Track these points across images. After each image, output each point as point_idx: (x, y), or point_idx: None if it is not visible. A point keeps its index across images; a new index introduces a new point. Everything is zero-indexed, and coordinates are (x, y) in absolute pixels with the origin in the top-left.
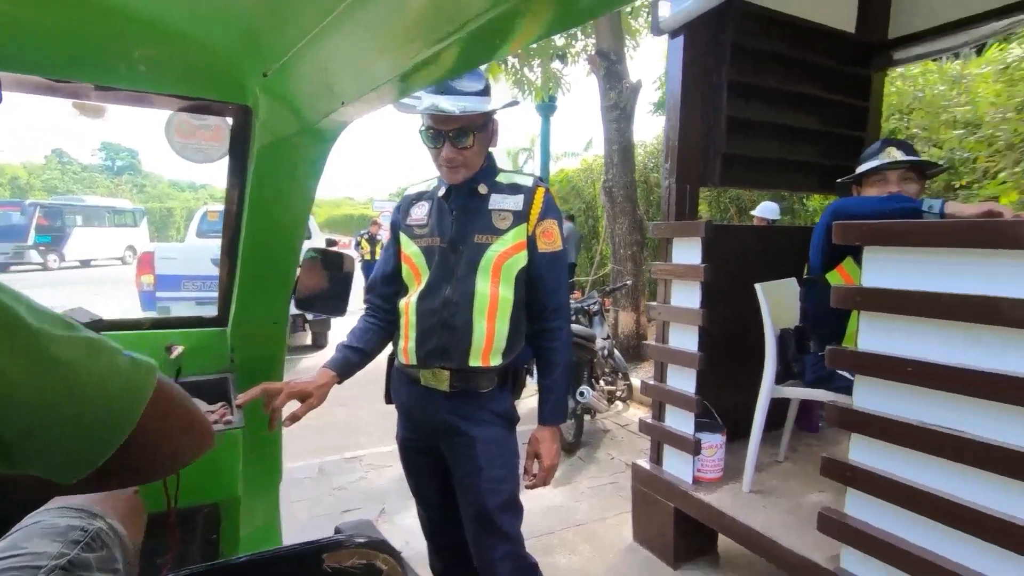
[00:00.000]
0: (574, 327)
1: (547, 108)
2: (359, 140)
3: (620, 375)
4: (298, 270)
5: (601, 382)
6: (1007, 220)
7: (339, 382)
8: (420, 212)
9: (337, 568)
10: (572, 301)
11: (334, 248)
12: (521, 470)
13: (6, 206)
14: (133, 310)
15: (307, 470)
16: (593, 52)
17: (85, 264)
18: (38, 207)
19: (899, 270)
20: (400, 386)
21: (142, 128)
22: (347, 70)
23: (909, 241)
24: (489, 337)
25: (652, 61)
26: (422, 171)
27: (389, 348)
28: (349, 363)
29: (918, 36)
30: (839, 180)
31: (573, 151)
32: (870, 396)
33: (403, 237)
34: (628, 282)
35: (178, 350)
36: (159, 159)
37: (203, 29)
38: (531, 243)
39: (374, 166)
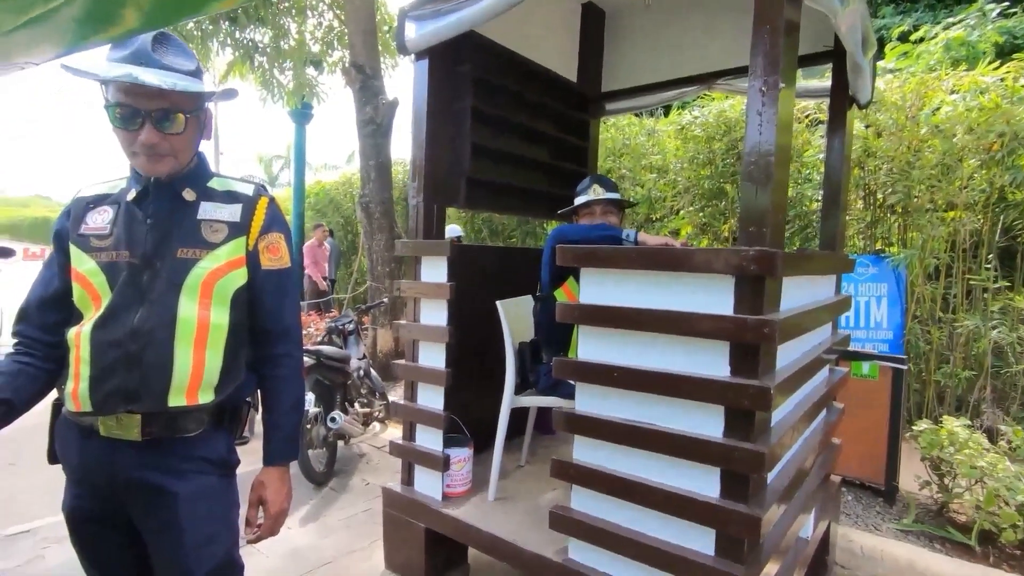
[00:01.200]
0: (326, 348)
1: (302, 115)
2: (60, 131)
3: (377, 395)
4: None
5: (356, 404)
6: (679, 248)
7: None
8: (100, 219)
9: None
10: (328, 320)
11: None
12: (242, 522)
13: None
14: None
15: None
16: (348, 64)
17: None
18: None
19: (607, 288)
20: (69, 440)
21: None
22: None
23: (612, 263)
24: (197, 369)
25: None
26: None
27: (53, 393)
28: None
29: (622, 93)
30: (559, 211)
31: (334, 164)
32: (589, 400)
33: (74, 250)
34: (385, 300)
35: None
36: None
37: None
38: (252, 259)
39: (81, 163)
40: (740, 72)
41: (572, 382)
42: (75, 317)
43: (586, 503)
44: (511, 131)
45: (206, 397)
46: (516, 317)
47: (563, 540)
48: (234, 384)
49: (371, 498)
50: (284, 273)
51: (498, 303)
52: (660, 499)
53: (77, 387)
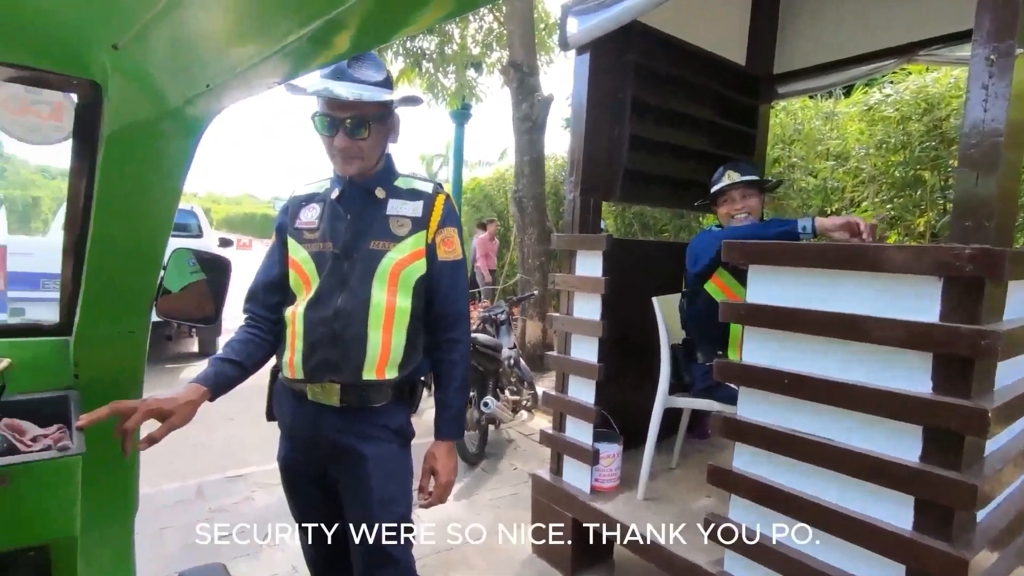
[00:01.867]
0: (481, 336)
1: (461, 115)
2: (263, 134)
3: (526, 385)
4: (162, 273)
5: (506, 392)
6: (872, 246)
7: (211, 399)
8: (310, 215)
9: None
10: (481, 310)
11: (200, 239)
12: (416, 487)
13: None
14: None
15: (181, 492)
16: (506, 64)
17: None
18: None
19: (781, 287)
20: (284, 402)
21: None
22: (210, 47)
23: (786, 261)
24: (385, 349)
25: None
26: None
27: (272, 361)
28: (224, 378)
29: (798, 74)
30: (696, 204)
31: (488, 160)
32: (753, 406)
33: (291, 241)
34: (535, 292)
35: (3, 363)
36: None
37: None
38: (430, 251)
39: (279, 163)
40: (952, 40)
41: (733, 386)
42: (291, 298)
43: (745, 515)
44: (671, 120)
45: (391, 374)
46: (672, 314)
47: (718, 550)
48: (414, 364)
49: (518, 483)
50: (457, 264)
51: (654, 299)
52: (835, 522)
53: (292, 357)
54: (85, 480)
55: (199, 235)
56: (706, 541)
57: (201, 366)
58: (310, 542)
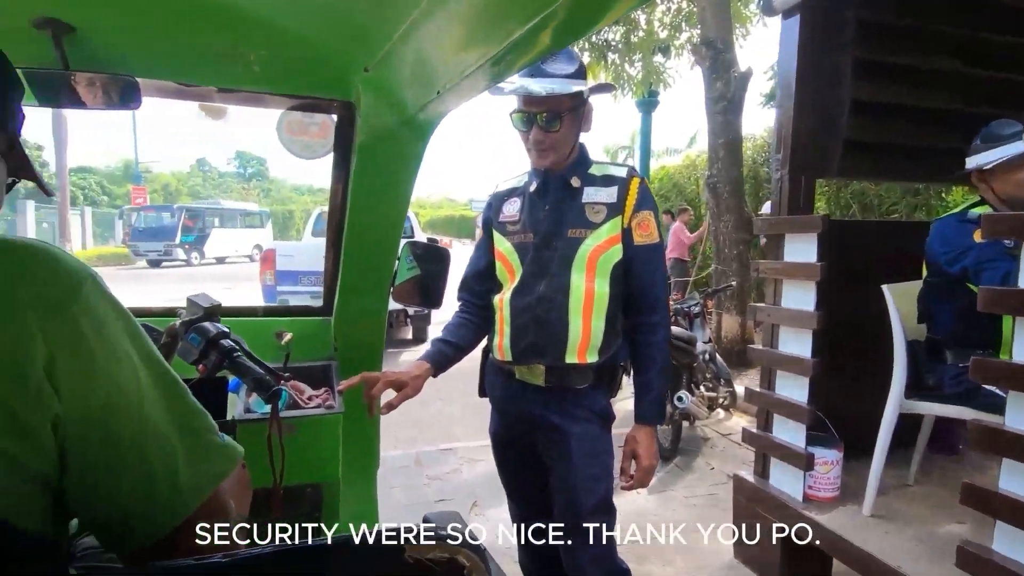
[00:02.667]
0: (673, 329)
1: (648, 104)
2: (458, 142)
3: (722, 381)
4: (396, 263)
5: (701, 388)
6: None
7: (434, 375)
8: (512, 208)
9: (418, 559)
10: (672, 302)
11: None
12: (617, 471)
13: (160, 210)
14: (257, 302)
15: (404, 459)
16: (698, 42)
17: (220, 261)
18: (184, 210)
19: None
20: (495, 380)
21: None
22: (442, 57)
23: None
24: (585, 333)
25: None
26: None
27: (484, 342)
28: (444, 356)
29: None
30: (957, 173)
31: (675, 147)
32: None
33: (496, 234)
34: (733, 283)
35: (287, 336)
36: (283, 166)
37: (310, 29)
38: (626, 236)
39: (473, 168)
40: None
41: (999, 392)
42: (497, 286)
43: (1014, 546)
44: (906, 78)
45: (592, 357)
46: (908, 306)
47: None
48: (613, 348)
49: (715, 483)
50: (654, 248)
51: (885, 288)
52: None
53: (502, 341)
54: (344, 435)
55: (412, 236)
56: (955, 571)
57: (416, 351)
58: (518, 512)
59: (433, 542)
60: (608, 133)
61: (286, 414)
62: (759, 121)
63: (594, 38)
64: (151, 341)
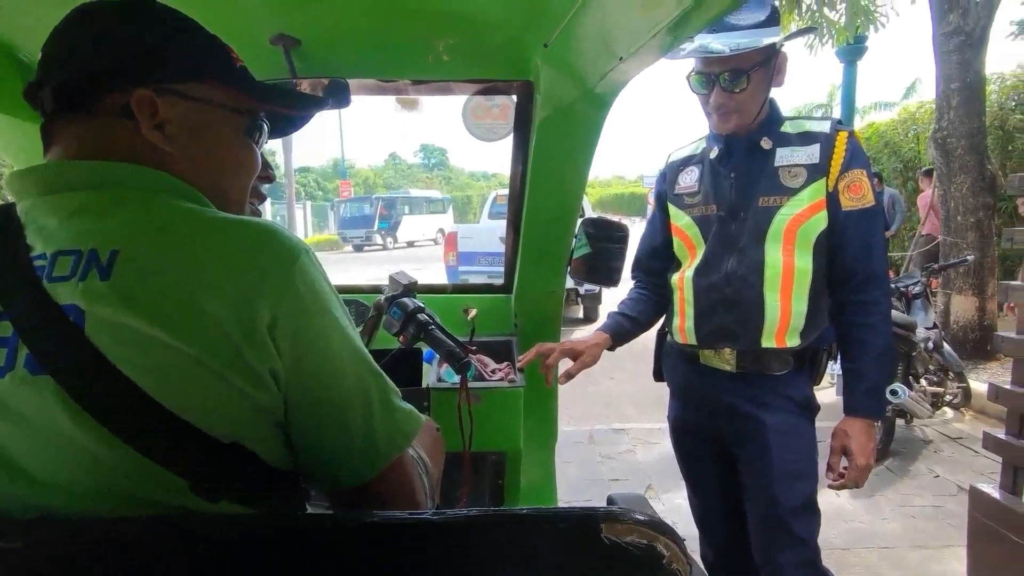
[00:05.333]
0: None
1: (853, 51)
2: (628, 117)
3: (951, 375)
4: (573, 240)
5: (922, 381)
6: None
7: (611, 347)
8: (689, 178)
9: (615, 541)
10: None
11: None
12: (822, 467)
13: (361, 201)
14: (442, 281)
15: (578, 436)
16: None
17: (410, 244)
18: (380, 200)
19: None
20: (676, 364)
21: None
22: (622, 24)
23: None
24: (784, 315)
25: None
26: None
27: (658, 324)
28: (623, 328)
29: None
30: None
31: (887, 101)
32: None
33: (672, 208)
34: (969, 258)
35: (472, 312)
36: (461, 155)
37: (491, 12)
38: (832, 200)
39: (643, 143)
40: None
41: None
42: (675, 264)
43: None
44: None
45: (792, 341)
46: None
47: None
48: (818, 331)
49: (939, 494)
50: (869, 213)
51: None
52: None
53: (683, 323)
54: (525, 408)
55: (582, 215)
56: None
57: (587, 330)
58: (700, 504)
59: (631, 524)
60: (799, 90)
61: (473, 385)
62: (1008, 58)
63: None
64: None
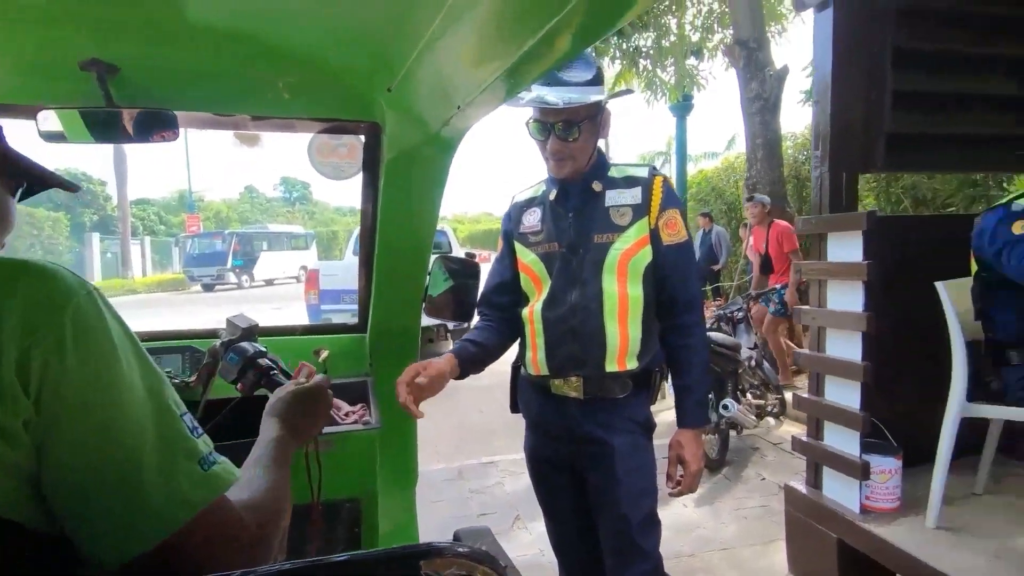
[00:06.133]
0: (716, 336)
1: (682, 108)
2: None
3: (770, 388)
4: (427, 278)
5: (748, 395)
6: None
7: (459, 374)
8: (532, 219)
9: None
10: (715, 308)
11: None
12: (662, 479)
13: (211, 236)
14: (302, 321)
15: (447, 473)
16: (731, 43)
17: (269, 283)
18: (234, 236)
19: None
20: (530, 396)
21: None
22: (459, 72)
23: None
24: (623, 340)
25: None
26: None
27: (513, 356)
28: (467, 351)
29: None
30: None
31: (713, 151)
32: None
33: (518, 246)
34: (777, 287)
35: (324, 354)
36: (325, 189)
37: (335, 53)
38: (654, 237)
39: (510, 181)
40: None
41: None
42: (524, 299)
43: None
44: (954, 66)
45: (631, 364)
46: (966, 303)
47: None
48: (651, 353)
49: (766, 495)
50: (684, 247)
51: (938, 284)
52: None
53: (536, 355)
54: (381, 450)
55: (449, 251)
56: None
57: None
58: (557, 530)
59: (451, 558)
60: (642, 141)
61: (325, 430)
62: (800, 120)
63: (624, 45)
64: (151, 362)
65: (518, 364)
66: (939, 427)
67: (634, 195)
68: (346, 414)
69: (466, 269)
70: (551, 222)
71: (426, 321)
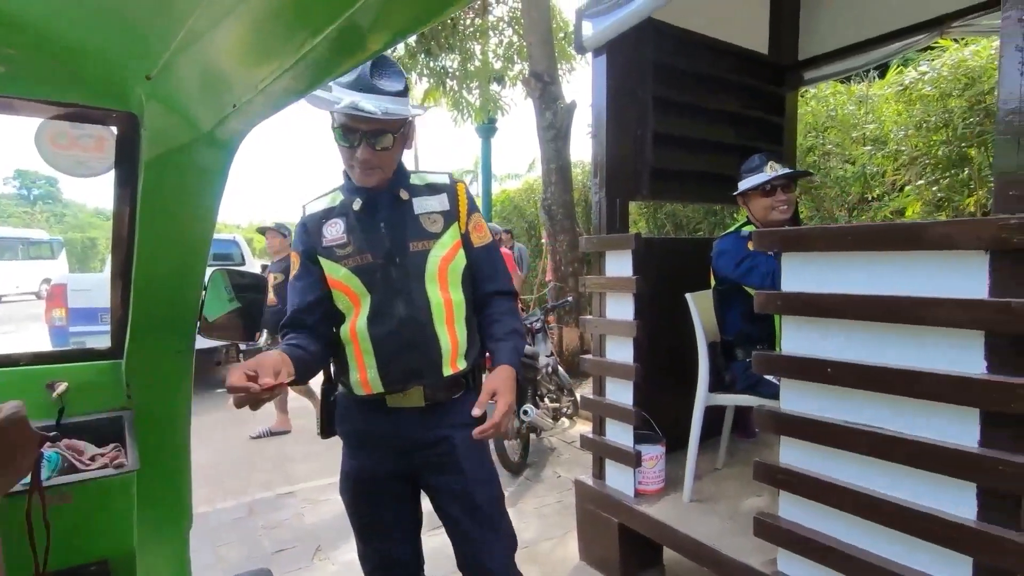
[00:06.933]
0: None
1: (487, 130)
2: (294, 162)
3: (565, 391)
4: (203, 293)
5: (546, 400)
6: (908, 223)
7: (294, 369)
8: (335, 231)
9: None
10: None
11: (242, 268)
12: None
13: None
14: (44, 346)
15: (236, 510)
16: (528, 75)
17: None
18: None
19: (815, 274)
20: (352, 416)
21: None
22: (232, 69)
23: (821, 246)
24: (454, 343)
25: (587, 84)
26: None
27: (320, 381)
28: (294, 352)
29: (825, 57)
30: (733, 194)
31: (517, 172)
32: (796, 399)
33: (324, 261)
34: (570, 299)
35: (61, 387)
36: (83, 188)
37: (76, 24)
38: (466, 240)
39: (310, 189)
40: (985, 7)
41: (775, 380)
42: (339, 317)
43: (796, 511)
44: (696, 115)
45: (462, 364)
46: (708, 311)
47: (769, 549)
48: (475, 350)
49: (563, 490)
50: (492, 246)
51: (688, 296)
52: (891, 514)
53: (365, 375)
54: (140, 496)
55: (242, 263)
56: (758, 540)
57: None
58: (377, 548)
59: None
60: (452, 159)
61: (56, 481)
62: (588, 149)
63: (432, 64)
64: None
65: (330, 387)
66: (691, 416)
67: (441, 201)
68: (91, 458)
69: (250, 284)
70: (360, 233)
71: (212, 343)
